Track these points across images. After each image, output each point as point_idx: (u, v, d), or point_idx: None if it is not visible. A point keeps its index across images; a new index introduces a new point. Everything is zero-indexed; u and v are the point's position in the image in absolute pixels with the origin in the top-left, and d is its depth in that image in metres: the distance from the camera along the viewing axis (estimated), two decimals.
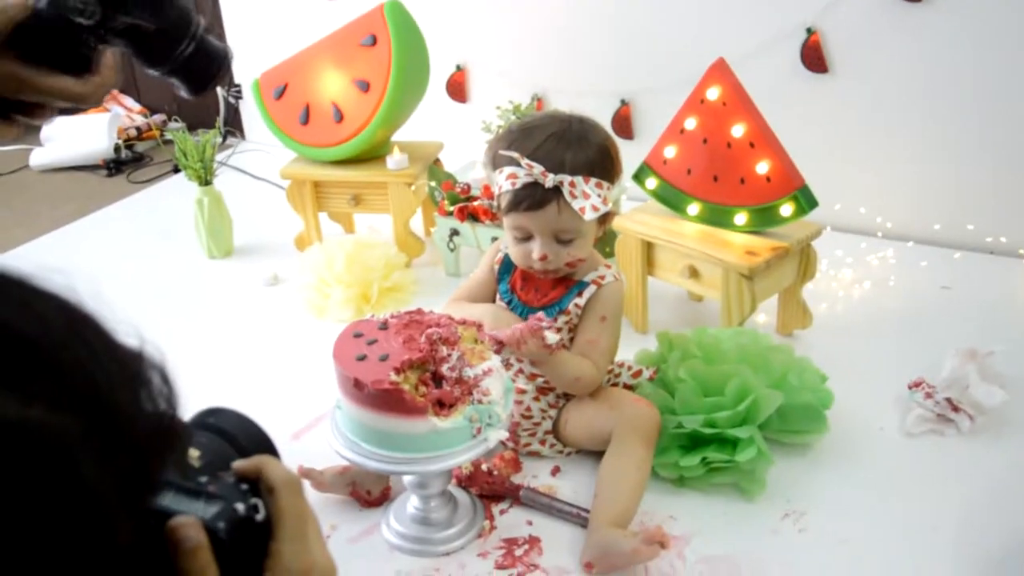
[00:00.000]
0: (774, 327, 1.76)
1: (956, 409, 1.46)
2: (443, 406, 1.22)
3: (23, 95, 0.96)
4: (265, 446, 0.73)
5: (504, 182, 1.35)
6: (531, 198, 1.33)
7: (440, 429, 1.21)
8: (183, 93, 1.11)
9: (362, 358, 1.23)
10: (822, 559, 1.26)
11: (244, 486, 0.65)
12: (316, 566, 0.64)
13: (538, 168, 1.32)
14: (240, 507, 0.63)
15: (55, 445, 0.50)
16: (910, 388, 1.51)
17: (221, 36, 1.10)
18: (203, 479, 0.65)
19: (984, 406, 1.45)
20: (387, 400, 1.19)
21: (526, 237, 1.38)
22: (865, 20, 1.92)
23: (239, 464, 0.67)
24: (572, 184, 1.32)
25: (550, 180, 1.32)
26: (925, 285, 1.88)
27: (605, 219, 1.42)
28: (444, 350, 1.25)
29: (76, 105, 1.00)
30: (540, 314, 1.35)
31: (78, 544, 0.51)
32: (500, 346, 1.30)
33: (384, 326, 1.30)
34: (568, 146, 1.34)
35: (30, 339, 0.52)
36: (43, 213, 2.58)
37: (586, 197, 1.32)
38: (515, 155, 1.33)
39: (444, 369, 1.24)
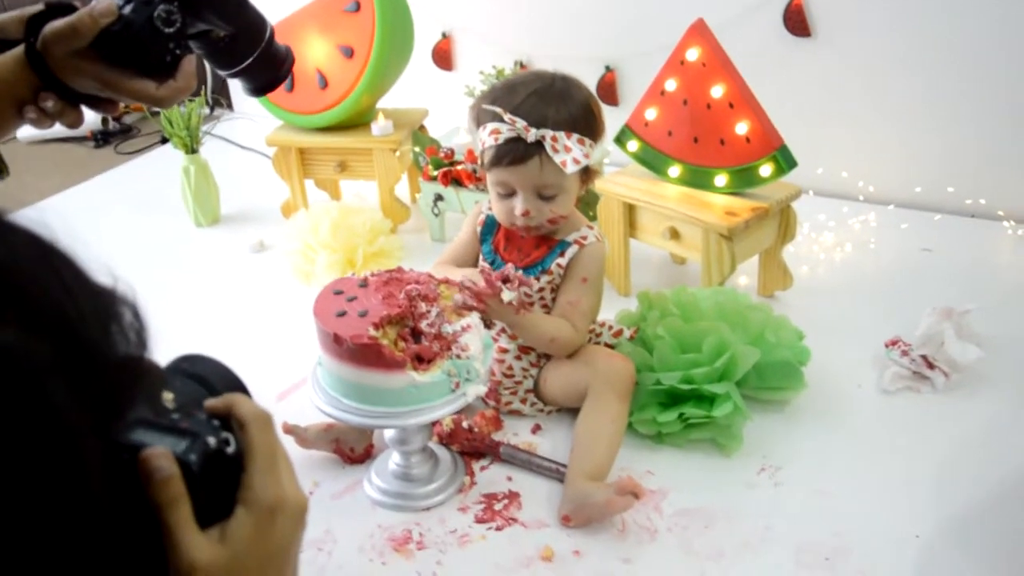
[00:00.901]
0: (755, 289, 1.77)
1: (931, 366, 1.48)
2: (421, 361, 1.24)
3: (103, 93, 0.99)
4: (237, 387, 0.74)
5: (487, 138, 1.36)
6: (514, 152, 1.34)
7: (419, 383, 1.22)
8: (246, 92, 1.14)
9: (342, 314, 1.25)
10: (796, 511, 1.28)
11: (216, 422, 0.67)
12: (287, 498, 0.66)
13: (521, 123, 1.33)
14: (211, 441, 0.65)
15: (24, 368, 0.51)
16: (887, 346, 1.53)
17: None
18: (175, 416, 0.66)
19: (959, 363, 1.47)
20: (366, 355, 1.21)
21: (509, 193, 1.40)
22: None
23: (211, 402, 0.69)
24: (554, 139, 1.33)
25: (532, 134, 1.33)
26: (906, 248, 1.90)
27: (587, 178, 1.43)
28: (423, 306, 1.27)
29: (153, 107, 1.04)
30: (508, 266, 1.37)
31: (46, 469, 0.52)
32: (466, 307, 1.32)
33: (364, 284, 1.31)
34: (550, 102, 1.35)
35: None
36: (30, 184, 2.59)
37: (568, 151, 1.33)
38: (498, 110, 1.34)
39: (423, 325, 1.26)
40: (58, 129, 2.90)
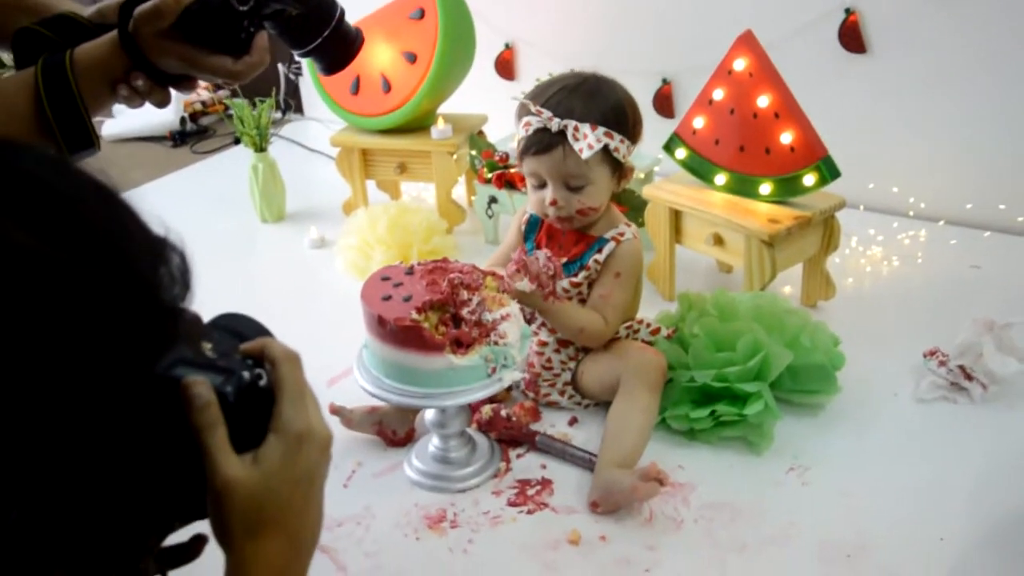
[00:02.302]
0: (799, 298, 1.79)
1: (969, 377, 1.48)
2: (460, 345, 1.29)
3: (184, 71, 1.09)
4: (269, 335, 0.81)
5: (520, 129, 1.44)
6: (539, 142, 1.42)
7: (456, 366, 1.28)
8: (320, 71, 1.22)
9: (387, 298, 1.31)
10: (821, 510, 1.30)
11: (249, 361, 0.74)
12: (313, 429, 0.72)
13: (547, 113, 1.40)
14: (245, 375, 0.71)
15: (78, 288, 0.58)
16: (925, 356, 1.54)
17: None
18: (213, 356, 0.73)
19: (997, 375, 1.48)
20: (407, 336, 1.27)
21: (540, 184, 1.46)
22: (902, 1, 1.94)
23: (246, 345, 0.76)
24: (576, 129, 1.39)
25: (555, 124, 1.40)
26: (954, 263, 1.90)
27: (622, 175, 1.48)
28: (465, 294, 1.32)
29: (230, 82, 1.13)
30: (541, 251, 1.42)
31: (82, 378, 0.58)
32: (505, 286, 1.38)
33: (410, 271, 1.37)
34: (579, 97, 1.42)
35: (62, 194, 0.61)
36: (113, 178, 2.71)
37: (585, 139, 1.39)
38: (528, 103, 1.42)
39: (464, 312, 1.32)
40: (139, 127, 3.03)
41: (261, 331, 0.80)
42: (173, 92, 1.14)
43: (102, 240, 0.60)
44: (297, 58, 1.18)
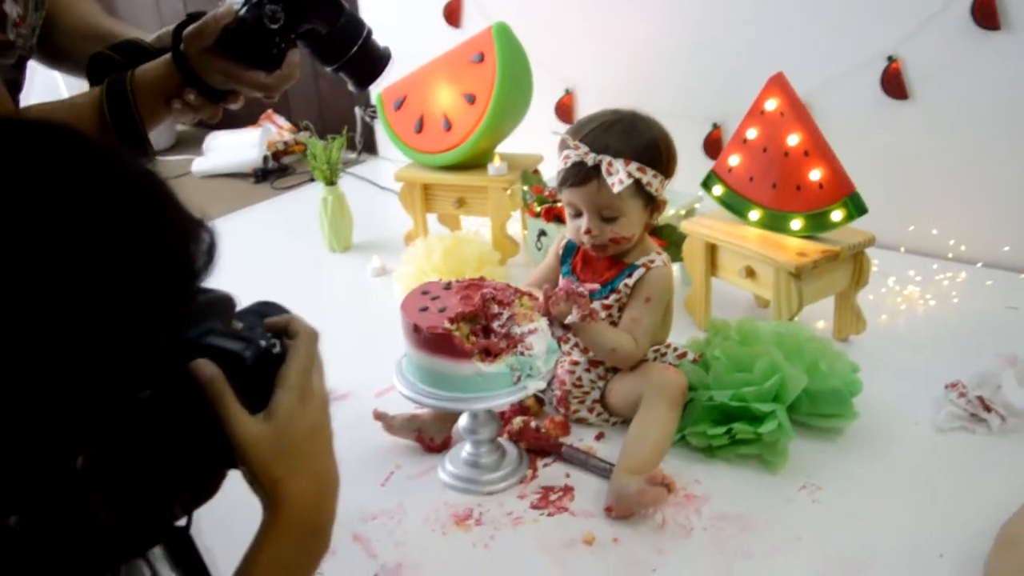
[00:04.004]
0: (831, 332, 1.84)
1: (988, 409, 1.52)
2: (488, 354, 1.39)
3: (227, 85, 1.24)
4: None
5: (560, 162, 1.54)
6: (576, 175, 1.51)
7: (484, 373, 1.38)
8: (351, 87, 1.35)
9: (424, 309, 1.42)
10: (828, 528, 1.35)
11: (270, 334, 0.85)
12: (313, 388, 0.83)
13: (583, 148, 1.49)
14: (262, 343, 0.83)
15: (118, 250, 0.69)
16: (947, 387, 1.58)
17: None
18: (239, 327, 0.85)
19: (1016, 408, 1.51)
20: (439, 344, 1.38)
21: (577, 213, 1.56)
22: (943, 48, 1.99)
23: (271, 319, 0.87)
24: (610, 164, 1.48)
25: (591, 159, 1.49)
26: (989, 304, 1.93)
27: (654, 208, 1.57)
28: (495, 308, 1.42)
29: (265, 94, 1.28)
30: (570, 278, 1.52)
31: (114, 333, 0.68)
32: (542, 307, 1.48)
33: (448, 286, 1.48)
34: (614, 133, 1.51)
35: (125, 182, 0.72)
36: (200, 209, 2.89)
37: (618, 174, 1.48)
38: (568, 138, 1.52)
39: (495, 325, 1.42)
40: (227, 165, 3.22)
41: (285, 313, 0.92)
42: (255, 134, 1.29)
43: (140, 216, 0.71)
44: (328, 72, 1.31)
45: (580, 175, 1.51)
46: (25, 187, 0.64)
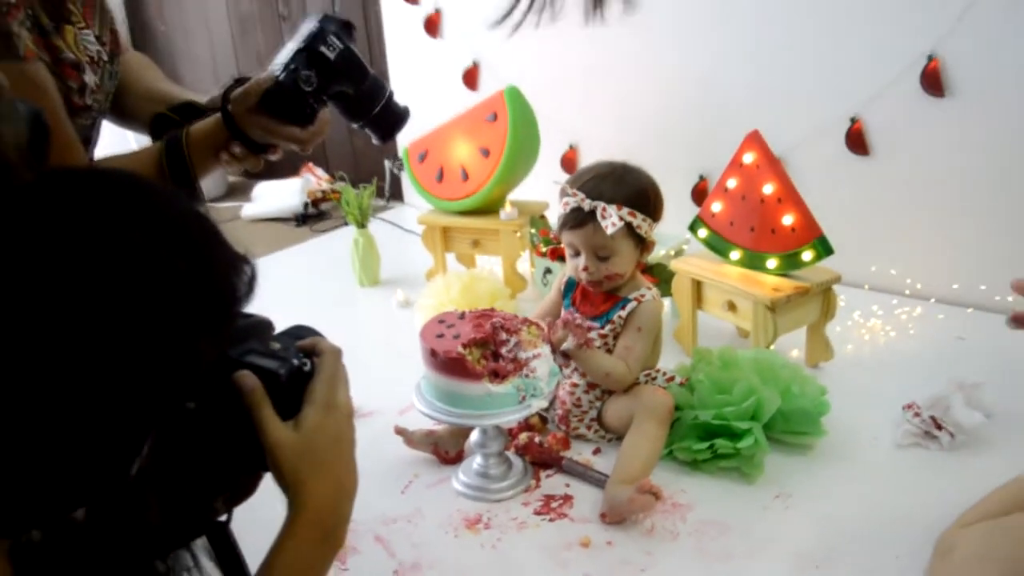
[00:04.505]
0: (804, 359, 1.85)
1: (939, 427, 1.52)
2: (497, 376, 1.40)
3: (267, 139, 1.28)
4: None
5: (560, 208, 1.55)
6: (574, 219, 1.54)
7: (493, 393, 1.39)
8: (375, 140, 1.39)
9: (440, 336, 1.44)
10: (799, 530, 1.36)
11: (301, 354, 0.87)
12: (338, 401, 0.85)
13: (580, 195, 1.52)
14: (295, 362, 0.85)
15: (170, 280, 0.71)
16: (904, 409, 1.58)
17: None
18: (276, 348, 0.87)
19: (964, 426, 1.51)
20: (453, 366, 1.39)
21: (576, 252, 1.58)
22: (899, 111, 2.02)
23: (303, 341, 0.89)
24: (604, 209, 1.50)
25: (587, 204, 1.51)
26: (941, 335, 1.93)
27: (644, 248, 1.58)
28: (503, 335, 1.44)
29: (300, 147, 1.32)
30: (567, 311, 1.55)
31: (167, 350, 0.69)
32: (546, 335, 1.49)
33: (462, 316, 1.50)
34: (609, 182, 1.54)
35: (178, 221, 0.74)
36: (247, 251, 2.93)
37: (611, 217, 1.50)
38: (566, 186, 1.54)
39: (503, 350, 1.43)
40: (271, 210, 3.26)
41: (316, 333, 0.94)
42: (297, 183, 1.34)
43: (188, 249, 0.73)
44: (356, 128, 1.35)
45: (578, 218, 1.54)
46: (98, 225, 0.66)
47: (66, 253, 0.64)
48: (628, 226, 1.53)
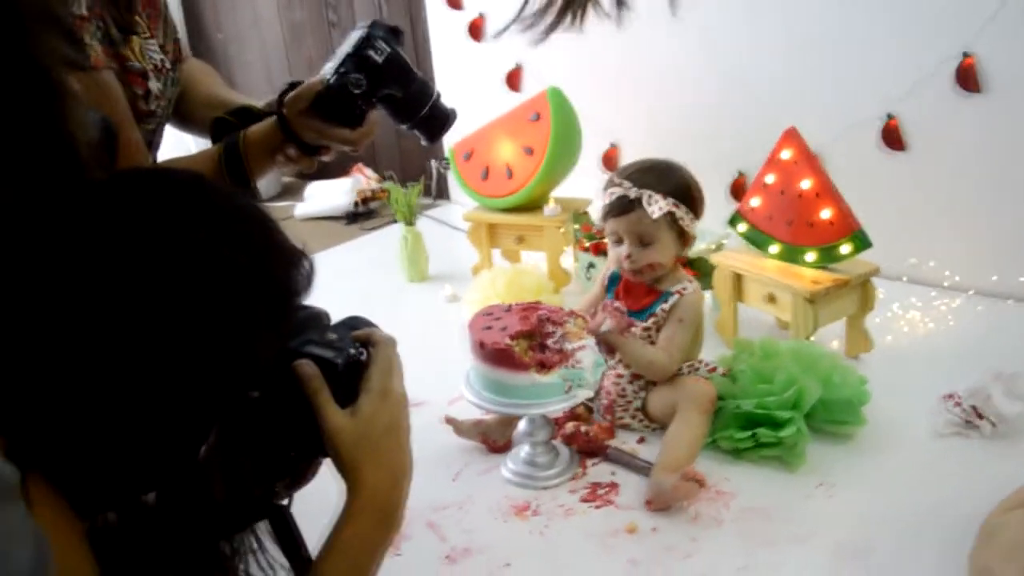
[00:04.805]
0: (843, 351, 1.82)
1: (980, 416, 1.49)
2: (543, 367, 1.40)
3: (319, 141, 1.29)
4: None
5: (605, 198, 1.56)
6: (620, 206, 1.53)
7: (539, 383, 1.39)
8: (423, 142, 1.39)
9: (487, 328, 1.44)
10: (840, 519, 1.33)
11: (358, 344, 0.87)
12: (393, 389, 0.85)
13: (627, 184, 1.51)
14: (351, 351, 0.85)
15: (234, 276, 0.71)
16: (944, 398, 1.55)
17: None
18: (333, 338, 0.87)
19: (1005, 415, 1.48)
20: (501, 357, 1.39)
21: (618, 240, 1.57)
22: (934, 108, 1.97)
23: (357, 332, 0.89)
24: (650, 195, 1.50)
25: (633, 192, 1.51)
26: (979, 326, 1.89)
27: (684, 240, 1.57)
28: (549, 327, 1.43)
29: (351, 148, 1.33)
30: (608, 300, 1.57)
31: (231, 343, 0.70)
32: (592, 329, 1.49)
33: (509, 309, 1.50)
34: (654, 174, 1.54)
35: (238, 218, 0.74)
36: (304, 246, 2.96)
37: (657, 203, 1.49)
38: (614, 177, 1.56)
39: (549, 341, 1.43)
40: (323, 209, 3.28)
41: (370, 324, 0.94)
42: (347, 182, 1.35)
43: (250, 245, 0.73)
44: (404, 129, 1.35)
45: (623, 205, 1.53)
46: (165, 224, 0.67)
47: (136, 251, 0.65)
48: (671, 216, 1.52)
